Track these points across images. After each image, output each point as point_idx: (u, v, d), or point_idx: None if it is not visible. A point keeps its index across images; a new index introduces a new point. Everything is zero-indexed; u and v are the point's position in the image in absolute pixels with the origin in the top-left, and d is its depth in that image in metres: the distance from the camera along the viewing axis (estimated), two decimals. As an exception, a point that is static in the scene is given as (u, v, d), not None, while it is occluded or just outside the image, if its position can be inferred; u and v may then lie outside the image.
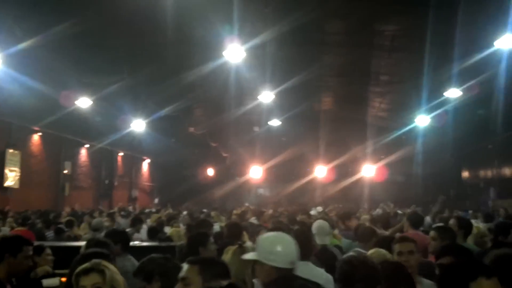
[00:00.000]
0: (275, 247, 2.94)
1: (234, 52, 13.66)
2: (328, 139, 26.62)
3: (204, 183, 31.00)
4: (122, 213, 15.42)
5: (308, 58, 17.09)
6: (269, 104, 20.45)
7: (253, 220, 10.56)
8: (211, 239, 4.62)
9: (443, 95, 17.49)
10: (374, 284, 2.47)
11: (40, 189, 20.43)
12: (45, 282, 4.14)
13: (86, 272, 2.58)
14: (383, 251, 3.88)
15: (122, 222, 11.61)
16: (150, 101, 18.35)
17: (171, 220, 10.31)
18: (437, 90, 17.15)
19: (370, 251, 3.92)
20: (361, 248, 4.84)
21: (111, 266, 2.68)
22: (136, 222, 9.15)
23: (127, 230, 8.60)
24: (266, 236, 3.16)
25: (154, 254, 3.35)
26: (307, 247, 4.14)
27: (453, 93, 16.94)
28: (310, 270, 3.96)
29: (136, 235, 8.44)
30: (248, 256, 3.02)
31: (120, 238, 4.75)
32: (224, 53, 13.82)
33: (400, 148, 24.50)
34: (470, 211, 15.11)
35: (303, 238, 4.27)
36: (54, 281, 4.09)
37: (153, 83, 16.28)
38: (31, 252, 3.79)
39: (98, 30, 12.07)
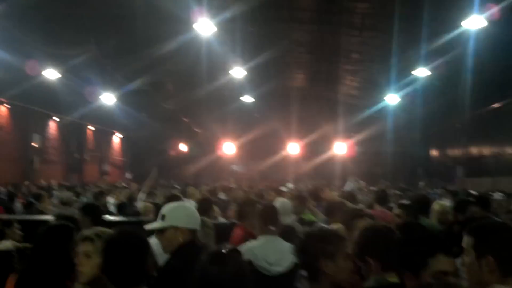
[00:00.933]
0: (190, 211, 3.18)
1: (205, 26, 13.54)
2: (300, 116, 26.78)
3: (177, 159, 30.94)
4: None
5: (279, 34, 17.10)
6: (241, 80, 20.41)
7: (221, 195, 10.63)
8: None
9: (411, 74, 17.72)
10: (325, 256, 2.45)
11: (8, 162, 20.06)
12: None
13: (82, 239, 2.75)
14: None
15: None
16: (118, 74, 18.11)
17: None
18: (406, 69, 17.38)
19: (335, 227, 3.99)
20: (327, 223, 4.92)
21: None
22: (99, 196, 9.09)
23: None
24: (175, 204, 3.32)
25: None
26: (275, 221, 4.23)
27: (422, 72, 17.18)
28: (279, 244, 4.08)
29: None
30: (164, 224, 3.10)
31: (91, 211, 4.73)
32: (194, 26, 13.69)
33: (371, 126, 24.80)
34: (438, 190, 15.46)
35: (272, 211, 4.35)
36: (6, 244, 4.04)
37: (122, 56, 16.06)
38: None
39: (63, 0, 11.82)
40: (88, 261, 2.67)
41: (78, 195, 11.19)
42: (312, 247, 2.35)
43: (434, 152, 26.67)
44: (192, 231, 3.10)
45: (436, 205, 5.59)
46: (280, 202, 5.61)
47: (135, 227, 3.36)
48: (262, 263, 3.87)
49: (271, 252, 3.96)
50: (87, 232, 2.81)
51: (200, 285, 2.14)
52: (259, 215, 4.32)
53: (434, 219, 5.40)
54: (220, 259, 2.15)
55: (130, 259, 2.47)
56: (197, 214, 3.24)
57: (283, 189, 12.97)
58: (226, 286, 2.10)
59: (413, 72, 17.53)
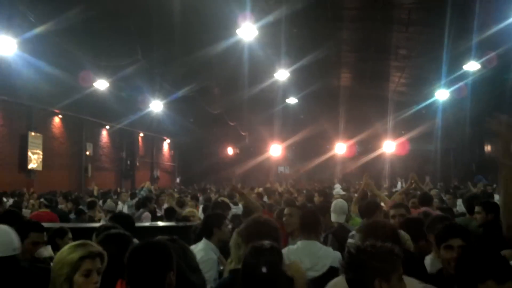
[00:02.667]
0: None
1: (248, 30, 13.57)
2: (348, 115, 26.48)
3: (224, 162, 31.23)
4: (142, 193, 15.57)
5: (323, 34, 16.90)
6: (286, 82, 20.35)
7: (265, 199, 10.63)
8: (227, 221, 4.64)
9: (462, 68, 17.15)
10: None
11: (63, 170, 20.84)
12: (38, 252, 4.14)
13: (93, 256, 2.60)
14: None
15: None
16: (166, 81, 18.45)
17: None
18: (456, 63, 16.82)
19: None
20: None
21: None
22: (140, 205, 9.19)
23: (140, 211, 8.78)
24: None
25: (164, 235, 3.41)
26: (314, 226, 4.21)
27: (472, 66, 16.59)
28: (316, 249, 4.06)
29: (146, 214, 8.51)
30: None
31: (123, 222, 4.74)
32: (238, 31, 13.74)
33: (420, 123, 24.20)
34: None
35: (311, 216, 4.34)
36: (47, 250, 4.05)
37: (168, 64, 16.34)
38: (41, 238, 3.80)
39: (111, 13, 12.16)
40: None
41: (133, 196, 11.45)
42: (365, 265, 2.18)
43: (488, 148, 25.74)
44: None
45: None
46: (336, 201, 5.87)
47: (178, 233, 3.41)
48: None
49: (307, 257, 3.94)
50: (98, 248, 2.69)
51: (242, 275, 2.50)
52: (299, 221, 4.39)
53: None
54: (259, 252, 2.52)
55: (151, 269, 2.47)
56: (8, 239, 3.20)
57: (335, 192, 12.77)
58: (262, 276, 2.43)
59: (464, 67, 16.96)
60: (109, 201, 10.44)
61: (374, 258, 2.17)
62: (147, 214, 8.49)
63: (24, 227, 3.79)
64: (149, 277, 2.44)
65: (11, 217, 4.98)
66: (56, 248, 4.46)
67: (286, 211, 5.03)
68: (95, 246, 2.67)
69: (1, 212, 9.08)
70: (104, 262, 2.62)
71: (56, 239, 4.51)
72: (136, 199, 11.07)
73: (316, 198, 9.80)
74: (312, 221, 4.25)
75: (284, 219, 4.92)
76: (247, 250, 2.60)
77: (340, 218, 5.51)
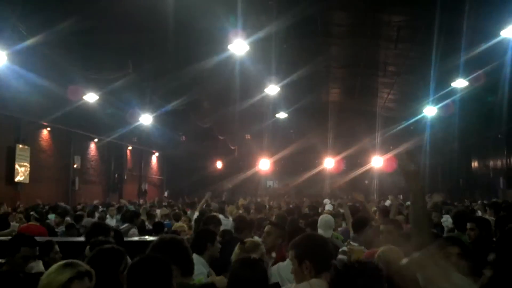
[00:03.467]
0: None
1: (239, 46, 13.65)
2: (336, 130, 26.62)
3: (213, 175, 31.12)
4: (130, 206, 15.49)
5: (313, 50, 17.07)
6: (276, 97, 20.45)
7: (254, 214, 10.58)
8: (218, 238, 4.68)
9: (450, 86, 17.40)
10: None
11: (50, 183, 20.62)
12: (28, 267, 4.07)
13: (79, 277, 2.54)
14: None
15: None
16: (156, 95, 18.44)
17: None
18: (444, 80, 17.07)
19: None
20: (356, 239, 5.01)
21: None
22: (127, 219, 9.07)
23: (124, 226, 8.67)
24: None
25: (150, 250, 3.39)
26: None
27: (460, 83, 16.85)
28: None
29: (132, 230, 8.42)
30: None
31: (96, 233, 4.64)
32: (229, 46, 13.82)
33: (409, 139, 24.39)
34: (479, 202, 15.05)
35: (298, 231, 4.39)
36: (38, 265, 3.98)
37: (159, 77, 16.36)
38: (32, 252, 3.77)
39: (101, 26, 12.15)
40: None
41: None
42: (353, 282, 2.19)
43: (475, 164, 25.99)
44: None
45: None
46: (324, 216, 6.13)
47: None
48: (287, 284, 3.89)
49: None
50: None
51: (233, 285, 2.74)
52: (287, 236, 4.57)
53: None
54: (249, 264, 2.79)
55: (154, 285, 2.48)
56: None
57: (326, 208, 12.76)
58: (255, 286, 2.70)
59: (452, 84, 17.20)
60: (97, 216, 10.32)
61: (362, 275, 2.19)
62: (133, 231, 8.38)
63: (15, 241, 3.75)
64: None
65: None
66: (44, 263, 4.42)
67: (265, 229, 5.04)
68: (82, 265, 2.63)
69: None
70: (92, 281, 2.57)
71: (43, 256, 4.47)
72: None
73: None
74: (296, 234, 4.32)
75: (262, 236, 4.98)
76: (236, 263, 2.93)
77: (327, 233, 5.60)
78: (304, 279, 2.81)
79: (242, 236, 5.51)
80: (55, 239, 5.75)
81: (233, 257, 3.59)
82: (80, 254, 4.55)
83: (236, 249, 3.70)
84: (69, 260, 2.63)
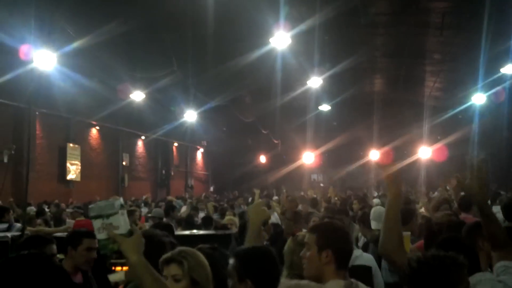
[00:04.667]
0: None
1: (281, 38, 13.63)
2: (381, 121, 26.16)
3: (257, 170, 31.25)
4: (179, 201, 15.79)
5: (356, 40, 16.83)
6: (318, 89, 20.29)
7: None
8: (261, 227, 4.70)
9: (499, 72, 16.77)
10: None
11: (101, 181, 21.27)
12: (111, 277, 4.23)
13: (167, 262, 2.53)
14: None
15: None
16: (200, 91, 18.69)
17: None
18: (493, 66, 16.45)
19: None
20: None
21: (196, 256, 2.60)
22: (169, 210, 9.29)
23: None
24: None
25: (201, 244, 3.47)
26: None
27: (510, 69, 16.21)
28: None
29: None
30: None
31: (165, 230, 4.79)
32: (271, 39, 13.83)
33: (457, 128, 23.71)
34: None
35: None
36: (119, 275, 4.14)
37: (202, 74, 16.55)
38: (94, 244, 3.81)
39: (146, 26, 12.42)
40: (176, 285, 2.46)
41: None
42: (429, 279, 2.01)
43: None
44: None
45: None
46: (376, 208, 6.19)
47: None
48: None
49: None
50: (172, 254, 2.58)
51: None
52: None
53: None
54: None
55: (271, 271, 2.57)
56: None
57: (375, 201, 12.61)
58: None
59: (501, 70, 16.59)
60: (157, 208, 10.56)
61: (438, 271, 2.00)
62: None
63: (77, 233, 3.93)
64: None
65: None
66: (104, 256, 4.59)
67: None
68: None
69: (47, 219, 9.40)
70: None
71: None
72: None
73: (356, 206, 9.75)
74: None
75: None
76: None
77: (379, 225, 5.52)
78: (318, 269, 2.61)
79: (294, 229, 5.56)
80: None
81: (286, 249, 3.63)
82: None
83: (289, 241, 3.73)
84: None
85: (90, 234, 3.82)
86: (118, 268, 4.70)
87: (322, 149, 28.15)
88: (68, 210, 11.75)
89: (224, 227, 7.82)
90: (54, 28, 11.63)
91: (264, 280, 2.54)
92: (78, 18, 11.13)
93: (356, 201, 10.76)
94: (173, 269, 2.48)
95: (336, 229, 2.75)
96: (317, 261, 2.61)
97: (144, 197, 18.42)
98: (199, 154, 33.61)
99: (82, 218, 9.20)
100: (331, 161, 30.48)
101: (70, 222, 9.04)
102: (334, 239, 2.65)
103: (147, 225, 8.26)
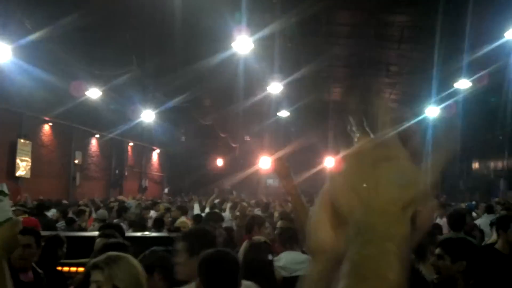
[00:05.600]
0: None
1: (243, 43, 13.65)
2: (337, 129, 26.58)
3: (213, 173, 31.11)
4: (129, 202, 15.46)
5: (317, 49, 17.06)
6: (278, 95, 20.43)
7: (257, 211, 10.64)
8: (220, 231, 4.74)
9: (453, 86, 17.38)
10: None
11: (51, 179, 20.64)
12: None
13: (92, 268, 2.49)
14: None
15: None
16: (159, 92, 18.47)
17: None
18: (447, 81, 17.04)
19: None
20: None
21: (123, 263, 2.52)
22: (121, 211, 9.14)
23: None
24: None
25: (155, 246, 3.43)
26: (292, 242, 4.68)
27: (463, 84, 16.83)
28: (295, 256, 4.54)
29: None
30: None
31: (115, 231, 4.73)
32: (232, 44, 13.83)
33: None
34: (474, 202, 15.09)
35: (287, 234, 4.78)
36: None
37: (162, 74, 16.37)
38: (30, 241, 3.83)
39: (106, 22, 12.17)
40: None
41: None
42: None
43: (475, 165, 26.00)
44: None
45: None
46: None
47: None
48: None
49: (289, 264, 4.38)
50: (97, 259, 2.53)
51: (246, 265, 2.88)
52: (277, 236, 4.99)
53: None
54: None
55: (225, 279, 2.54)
56: None
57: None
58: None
59: (455, 84, 17.18)
60: (101, 210, 10.33)
61: None
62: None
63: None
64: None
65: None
66: (57, 257, 4.48)
67: (278, 224, 5.24)
68: None
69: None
70: None
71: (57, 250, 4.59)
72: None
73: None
74: (292, 234, 4.65)
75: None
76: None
77: None
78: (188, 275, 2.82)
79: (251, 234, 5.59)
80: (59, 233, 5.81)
81: (241, 253, 3.62)
82: (81, 248, 4.64)
83: (245, 245, 3.73)
84: None
85: (25, 231, 3.79)
86: (66, 269, 4.61)
87: (279, 154, 28.27)
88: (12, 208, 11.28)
89: (177, 229, 7.75)
90: (9, 20, 11.22)
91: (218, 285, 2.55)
92: (36, 11, 10.78)
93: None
94: (96, 275, 2.45)
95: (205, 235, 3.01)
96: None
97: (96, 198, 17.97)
98: (155, 155, 33.17)
99: (26, 215, 8.87)
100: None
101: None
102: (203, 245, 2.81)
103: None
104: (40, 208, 10.18)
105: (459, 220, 5.51)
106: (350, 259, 0.63)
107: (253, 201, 15.04)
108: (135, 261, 2.58)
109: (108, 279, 2.41)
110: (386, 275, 0.60)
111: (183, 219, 8.92)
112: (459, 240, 3.22)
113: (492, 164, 23.80)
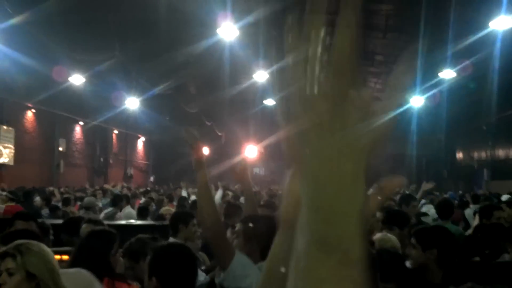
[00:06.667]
0: None
1: (228, 30, 13.55)
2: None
3: (199, 162, 30.99)
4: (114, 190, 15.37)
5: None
6: (264, 83, 20.36)
7: (242, 200, 10.61)
8: (195, 221, 4.61)
9: (437, 76, 17.46)
10: None
11: (35, 166, 20.45)
12: None
13: (2, 256, 2.42)
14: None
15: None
16: (143, 78, 18.29)
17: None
18: (431, 71, 17.09)
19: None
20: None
21: (35, 250, 2.45)
22: (117, 201, 9.07)
23: (109, 210, 8.66)
24: None
25: (141, 234, 3.42)
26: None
27: (448, 74, 16.91)
28: None
29: (118, 214, 8.38)
30: None
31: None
32: (218, 30, 13.72)
33: (395, 129, 24.45)
34: (460, 192, 15.25)
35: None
36: None
37: (146, 60, 16.20)
38: (30, 226, 3.84)
39: (89, 6, 11.96)
40: (10, 279, 2.36)
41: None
42: None
43: (459, 155, 26.25)
44: None
45: None
46: None
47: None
48: None
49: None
50: (7, 247, 2.45)
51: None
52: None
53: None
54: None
55: (180, 272, 2.48)
56: None
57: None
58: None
59: (439, 74, 17.26)
60: (87, 198, 10.21)
61: None
62: (119, 215, 8.37)
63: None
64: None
65: None
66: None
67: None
68: None
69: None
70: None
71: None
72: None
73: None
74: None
75: None
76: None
77: None
78: None
79: (231, 221, 5.52)
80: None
81: None
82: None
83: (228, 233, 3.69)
84: None
85: (23, 216, 3.90)
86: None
87: (265, 143, 28.28)
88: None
89: (161, 217, 7.69)
90: (-11, 3, 11.01)
91: (172, 280, 2.44)
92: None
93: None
94: (7, 263, 2.39)
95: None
96: None
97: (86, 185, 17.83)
98: (140, 142, 32.99)
99: (13, 203, 8.79)
100: (273, 155, 30.75)
101: (0, 208, 8.63)
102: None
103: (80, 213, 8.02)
104: (26, 196, 10.11)
105: (447, 208, 5.57)
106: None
107: (237, 187, 14.95)
108: (46, 248, 2.52)
109: (21, 266, 2.37)
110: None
111: (167, 207, 8.86)
112: (431, 229, 3.38)
113: (476, 154, 24.04)
